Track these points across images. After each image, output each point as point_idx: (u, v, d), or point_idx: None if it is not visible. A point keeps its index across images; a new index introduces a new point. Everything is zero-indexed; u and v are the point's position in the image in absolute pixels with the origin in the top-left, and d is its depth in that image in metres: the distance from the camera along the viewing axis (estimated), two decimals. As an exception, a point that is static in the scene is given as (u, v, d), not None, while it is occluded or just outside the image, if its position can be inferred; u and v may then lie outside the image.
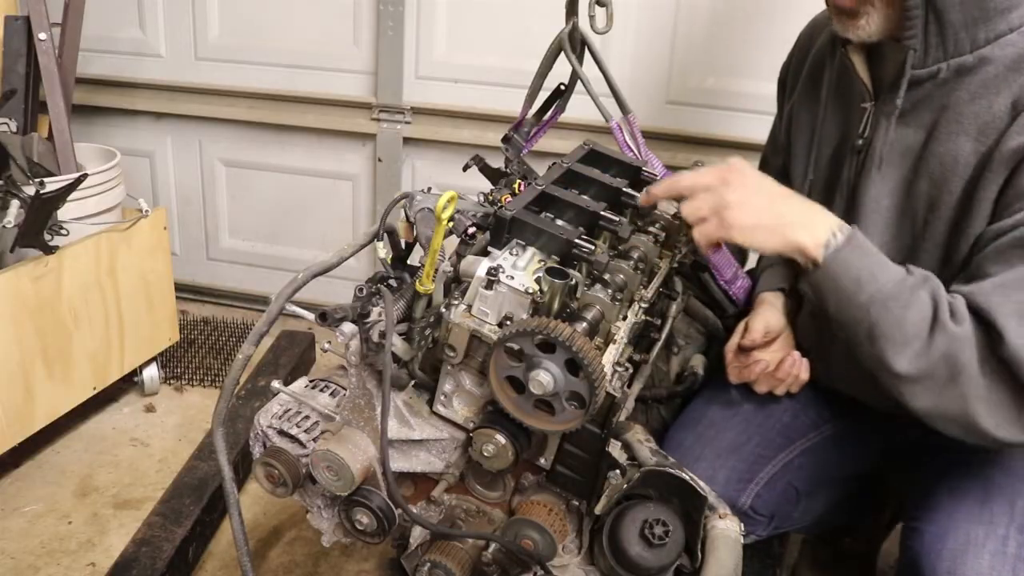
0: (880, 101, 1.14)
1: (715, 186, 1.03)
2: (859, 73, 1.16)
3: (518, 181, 1.27)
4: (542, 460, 1.04)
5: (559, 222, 1.08)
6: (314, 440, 1.10)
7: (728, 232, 1.02)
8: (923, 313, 0.98)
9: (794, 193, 1.07)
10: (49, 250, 1.81)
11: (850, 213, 1.20)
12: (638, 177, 1.27)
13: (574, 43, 1.36)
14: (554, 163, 1.22)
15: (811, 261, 1.02)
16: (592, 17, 1.33)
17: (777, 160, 1.47)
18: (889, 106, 1.11)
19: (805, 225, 1.02)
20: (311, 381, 1.19)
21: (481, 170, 1.37)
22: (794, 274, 1.34)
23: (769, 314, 1.32)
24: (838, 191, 1.23)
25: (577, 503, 1.07)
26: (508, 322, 0.96)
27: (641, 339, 1.22)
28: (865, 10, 1.06)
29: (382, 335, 0.99)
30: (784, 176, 1.39)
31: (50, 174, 1.92)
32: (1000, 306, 0.96)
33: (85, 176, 1.85)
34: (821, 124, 1.27)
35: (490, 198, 1.21)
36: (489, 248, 1.04)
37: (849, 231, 1.02)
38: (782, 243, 1.02)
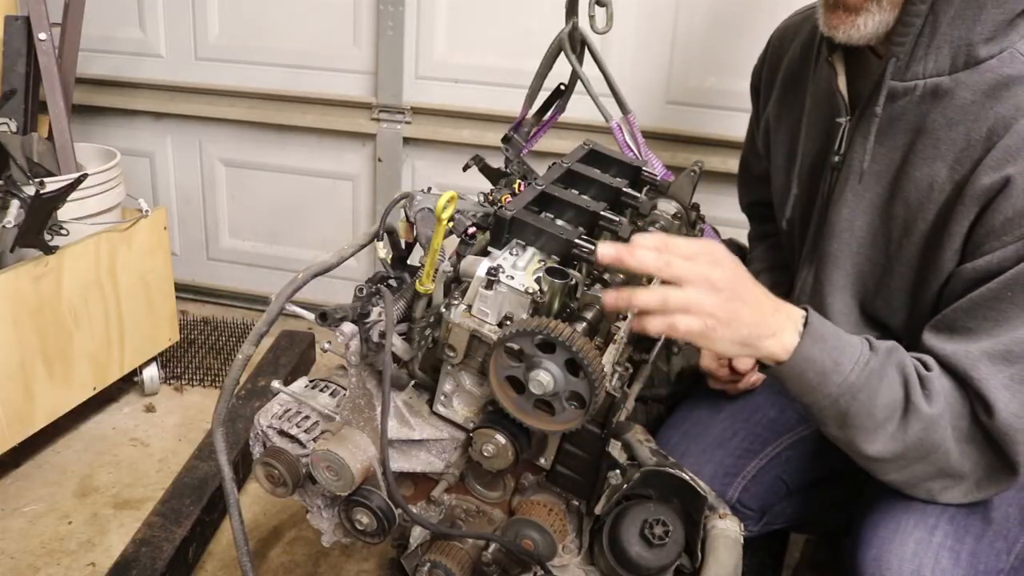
0: (857, 117, 1.12)
1: (665, 277, 0.90)
2: (839, 86, 1.13)
3: (518, 181, 1.27)
4: (542, 460, 1.04)
5: (559, 222, 1.07)
6: (314, 440, 1.10)
7: (679, 336, 0.92)
8: (894, 396, 0.97)
9: (752, 282, 0.96)
10: (49, 250, 1.81)
11: (821, 230, 1.19)
12: (638, 177, 1.27)
13: (574, 43, 1.36)
14: (554, 163, 1.22)
15: (774, 361, 0.98)
16: (592, 17, 1.33)
17: (760, 164, 1.47)
18: (865, 121, 1.09)
19: (774, 334, 0.95)
20: (311, 381, 1.19)
21: (481, 170, 1.36)
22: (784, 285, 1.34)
23: None
24: (815, 208, 1.22)
25: (577, 503, 1.07)
26: (508, 322, 0.96)
27: (641, 339, 1.22)
28: (868, 8, 1.02)
29: (382, 335, 0.99)
30: (767, 183, 1.39)
31: (50, 174, 1.92)
32: (990, 377, 0.96)
33: (85, 176, 1.85)
34: (801, 139, 1.25)
35: (490, 198, 1.21)
36: (489, 248, 1.04)
37: (806, 318, 0.97)
38: (750, 354, 0.97)
